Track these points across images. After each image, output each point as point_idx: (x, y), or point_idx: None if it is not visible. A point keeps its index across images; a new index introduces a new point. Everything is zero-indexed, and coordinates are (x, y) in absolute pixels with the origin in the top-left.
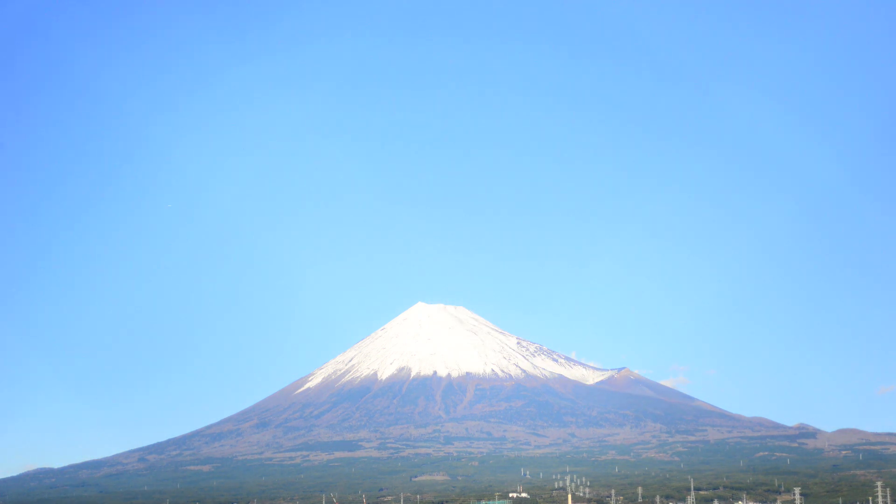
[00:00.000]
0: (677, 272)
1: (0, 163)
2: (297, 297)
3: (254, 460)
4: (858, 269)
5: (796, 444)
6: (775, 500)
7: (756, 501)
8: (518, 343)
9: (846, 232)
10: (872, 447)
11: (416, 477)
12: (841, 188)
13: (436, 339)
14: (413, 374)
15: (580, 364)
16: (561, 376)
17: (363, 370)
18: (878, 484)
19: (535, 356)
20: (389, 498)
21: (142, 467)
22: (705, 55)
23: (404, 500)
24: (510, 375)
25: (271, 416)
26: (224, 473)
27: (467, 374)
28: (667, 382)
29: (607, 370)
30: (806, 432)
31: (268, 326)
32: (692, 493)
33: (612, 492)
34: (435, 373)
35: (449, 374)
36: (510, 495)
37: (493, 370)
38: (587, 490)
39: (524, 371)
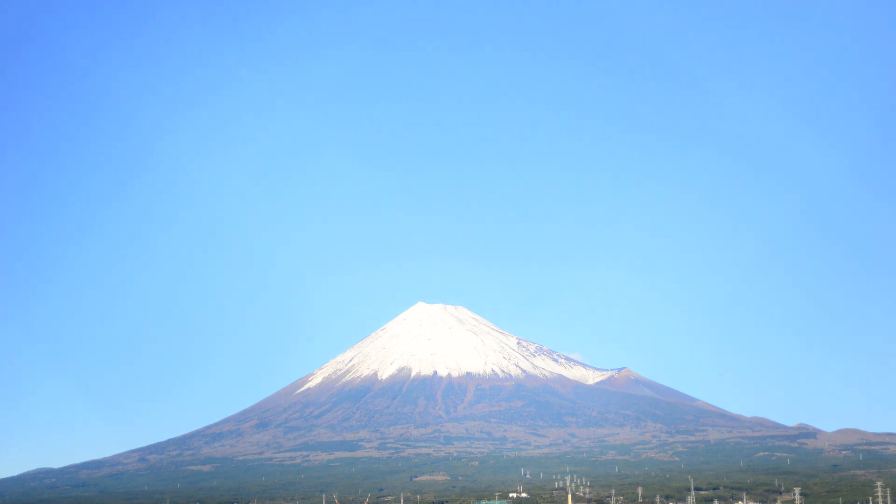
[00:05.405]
0: (678, 272)
1: (3, 166)
2: (298, 297)
3: (254, 460)
4: (859, 268)
5: (796, 444)
6: (775, 500)
7: (756, 501)
8: (518, 343)
9: (846, 231)
10: (872, 447)
11: (416, 477)
12: (841, 187)
13: (436, 339)
14: (413, 374)
15: (580, 364)
16: (561, 376)
17: (363, 370)
18: (878, 484)
19: (535, 356)
20: (390, 498)
21: (142, 467)
22: (706, 55)
23: (404, 500)
24: (510, 375)
25: (271, 416)
26: (224, 473)
27: (467, 374)
28: (667, 382)
29: (607, 370)
30: (806, 432)
31: (268, 326)
32: (692, 493)
33: (612, 492)
34: (435, 373)
35: (449, 374)
36: (510, 495)
37: (493, 370)
38: (587, 490)
39: (524, 371)
